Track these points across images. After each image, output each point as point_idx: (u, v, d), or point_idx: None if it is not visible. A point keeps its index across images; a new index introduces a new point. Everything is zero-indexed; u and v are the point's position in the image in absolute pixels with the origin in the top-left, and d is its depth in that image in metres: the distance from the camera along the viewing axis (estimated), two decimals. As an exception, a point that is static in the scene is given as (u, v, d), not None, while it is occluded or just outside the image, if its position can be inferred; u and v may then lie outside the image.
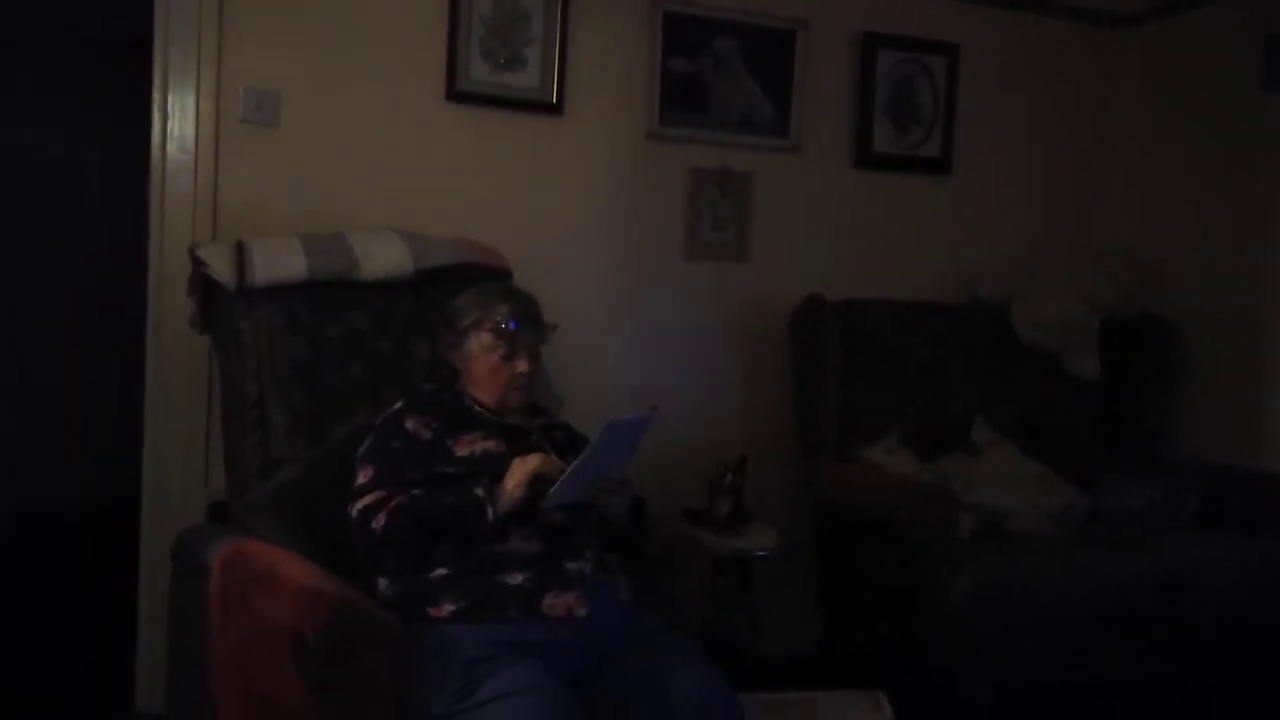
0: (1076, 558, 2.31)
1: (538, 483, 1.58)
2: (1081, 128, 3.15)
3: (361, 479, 1.66)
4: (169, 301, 2.25)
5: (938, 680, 2.21)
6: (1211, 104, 2.93)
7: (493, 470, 1.64)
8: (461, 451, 1.69)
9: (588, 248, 2.65)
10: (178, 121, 2.27)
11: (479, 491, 1.57)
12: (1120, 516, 2.54)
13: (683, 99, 2.70)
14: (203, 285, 2.01)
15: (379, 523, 1.57)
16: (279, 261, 1.96)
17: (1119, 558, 2.30)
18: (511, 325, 1.79)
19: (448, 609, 1.53)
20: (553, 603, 1.55)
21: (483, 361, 1.80)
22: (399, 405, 1.78)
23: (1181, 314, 2.92)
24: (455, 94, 2.47)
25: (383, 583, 1.61)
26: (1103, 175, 3.17)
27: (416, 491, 1.62)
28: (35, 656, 2.65)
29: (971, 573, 2.16)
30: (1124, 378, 2.89)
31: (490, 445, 1.70)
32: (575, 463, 1.55)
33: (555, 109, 2.57)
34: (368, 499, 1.61)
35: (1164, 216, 3.05)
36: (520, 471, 1.58)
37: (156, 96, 2.28)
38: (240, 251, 1.95)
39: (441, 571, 1.58)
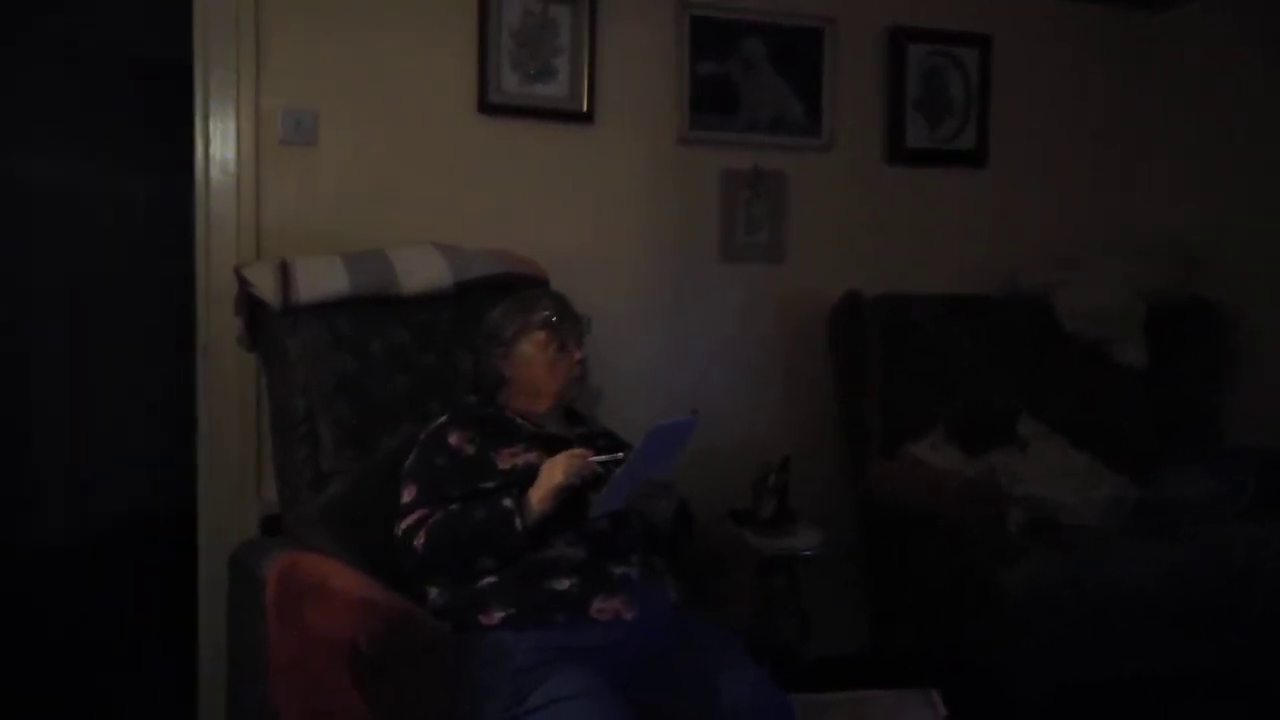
0: (1130, 549, 2.28)
1: (565, 493, 1.59)
2: (1120, 112, 3.10)
3: (406, 497, 1.69)
4: (217, 321, 2.31)
5: (990, 677, 2.19)
6: (1252, 83, 2.87)
7: (531, 481, 1.65)
8: (504, 465, 1.71)
9: (623, 254, 2.66)
10: (219, 145, 2.33)
11: (507, 503, 1.59)
12: (1173, 507, 2.50)
13: (712, 102, 2.70)
14: (249, 304, 2.05)
15: (419, 541, 1.60)
16: (322, 279, 2.00)
17: (1173, 548, 2.26)
18: (556, 319, 1.84)
19: (497, 616, 1.55)
20: (601, 607, 1.56)
21: (539, 360, 1.83)
22: (443, 420, 1.81)
23: (1230, 298, 2.86)
24: (487, 106, 2.50)
25: (433, 592, 1.64)
26: (1144, 160, 3.12)
27: (454, 506, 1.64)
28: (100, 670, 2.72)
29: (1023, 568, 2.14)
30: (1173, 365, 2.83)
31: (532, 457, 1.72)
32: (619, 471, 1.56)
33: (586, 117, 2.59)
34: (410, 519, 1.64)
35: (1209, 200, 2.99)
36: (546, 483, 1.59)
37: (198, 121, 2.34)
38: (284, 270, 1.99)
39: (490, 579, 1.59)
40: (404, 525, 1.64)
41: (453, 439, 1.74)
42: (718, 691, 1.53)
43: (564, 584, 1.58)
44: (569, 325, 1.86)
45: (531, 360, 1.84)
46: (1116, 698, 2.19)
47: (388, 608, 1.45)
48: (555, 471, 1.60)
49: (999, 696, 2.15)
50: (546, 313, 1.84)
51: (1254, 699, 2.25)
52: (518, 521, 1.57)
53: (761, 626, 2.28)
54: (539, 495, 1.58)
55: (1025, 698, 2.13)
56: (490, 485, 1.68)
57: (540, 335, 1.83)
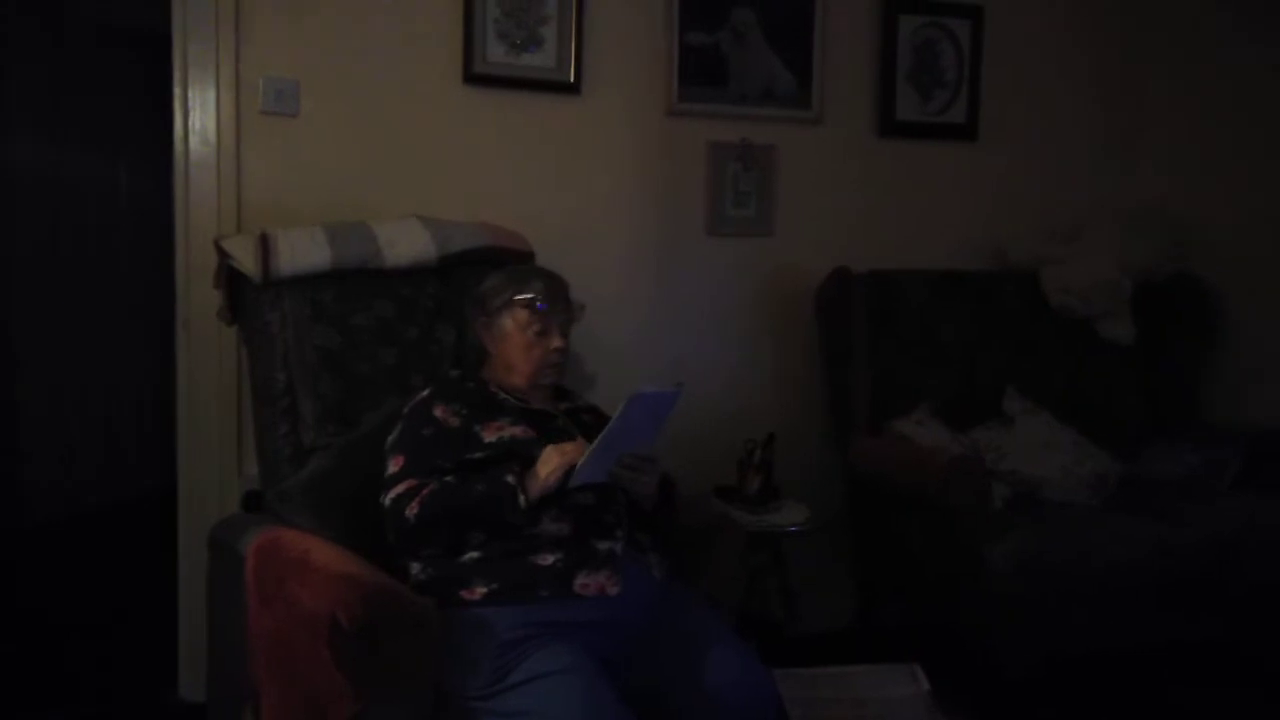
0: (1114, 524, 2.29)
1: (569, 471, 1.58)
2: (1111, 87, 3.07)
3: (393, 468, 1.67)
4: (197, 295, 2.27)
5: (976, 652, 2.20)
6: (1248, 58, 2.85)
7: (521, 454, 1.64)
8: (489, 437, 1.70)
9: (609, 227, 2.63)
10: (199, 115, 2.28)
11: (509, 479, 1.58)
12: (1159, 483, 2.51)
13: (702, 73, 2.67)
14: (229, 277, 2.02)
15: (411, 510, 1.58)
16: (303, 252, 1.97)
17: (1157, 523, 2.27)
18: (543, 303, 1.80)
19: (480, 591, 1.54)
20: (585, 582, 1.55)
21: (516, 339, 1.81)
22: (426, 393, 1.79)
23: (1218, 275, 2.86)
24: (472, 77, 2.46)
25: (415, 567, 1.63)
26: (1135, 135, 3.10)
27: (448, 479, 1.62)
28: (81, 646, 2.71)
29: (1008, 543, 2.15)
30: (1160, 342, 2.84)
31: (518, 431, 1.71)
32: (600, 436, 1.54)
33: (573, 88, 2.55)
34: (399, 488, 1.62)
35: (1199, 176, 2.98)
36: (556, 460, 1.57)
37: (176, 90, 2.29)
38: (265, 243, 1.95)
39: (473, 555, 1.58)
40: (392, 494, 1.62)
41: (438, 411, 1.72)
42: (704, 668, 1.53)
43: (548, 559, 1.57)
44: (556, 310, 1.83)
45: (509, 336, 1.82)
46: (1102, 671, 2.21)
47: (369, 583, 1.44)
48: (567, 449, 1.58)
49: (985, 671, 2.16)
50: (532, 295, 1.82)
51: (1239, 671, 2.27)
52: (521, 499, 1.56)
53: (747, 602, 2.29)
54: (548, 469, 1.56)
55: (1011, 672, 2.15)
56: (478, 456, 1.66)
57: (523, 314, 1.82)
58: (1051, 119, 3.02)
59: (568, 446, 1.60)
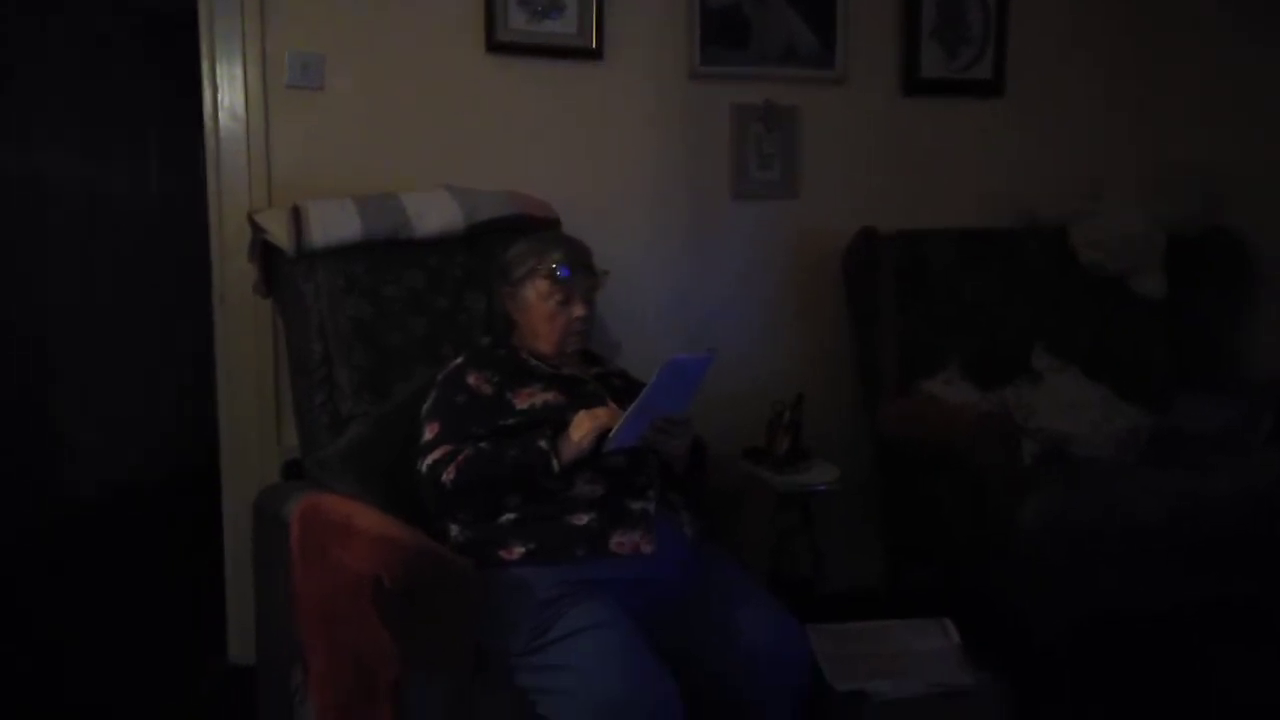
0: (1144, 480, 2.27)
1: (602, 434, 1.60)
2: (1140, 39, 3.01)
3: (428, 435, 1.71)
4: (231, 269, 2.32)
5: (1005, 611, 2.21)
6: (1272, 11, 2.78)
7: (553, 420, 1.67)
8: (521, 404, 1.73)
9: (634, 192, 2.64)
10: (227, 91, 2.31)
11: (543, 444, 1.61)
12: (1193, 438, 2.49)
13: (723, 35, 2.65)
14: (263, 251, 2.05)
15: (448, 475, 1.62)
16: (334, 223, 2.00)
17: (1189, 478, 2.26)
18: (564, 271, 1.82)
19: (518, 551, 1.58)
20: (620, 541, 1.59)
21: (539, 309, 1.83)
22: (459, 361, 1.82)
23: (1251, 228, 2.81)
24: (495, 45, 2.47)
25: (454, 529, 1.67)
26: (1165, 89, 3.04)
27: (483, 445, 1.66)
28: (130, 617, 2.79)
29: (1037, 500, 2.14)
30: (1192, 296, 2.80)
31: (549, 397, 1.74)
32: (635, 402, 1.56)
33: (595, 54, 2.55)
34: (435, 454, 1.66)
35: (1230, 128, 2.92)
36: (589, 424, 1.60)
37: (205, 67, 2.32)
38: (297, 216, 1.99)
39: (510, 516, 1.62)
40: (429, 460, 1.66)
41: (471, 379, 1.76)
42: (737, 625, 1.56)
43: (583, 520, 1.60)
44: (579, 278, 1.84)
45: (532, 306, 1.84)
46: (1132, 630, 2.21)
47: (410, 545, 1.48)
48: (600, 413, 1.61)
49: (1014, 630, 2.17)
50: (553, 264, 1.82)
51: (1273, 629, 2.26)
52: (554, 463, 1.59)
53: (777, 561, 2.32)
54: (580, 433, 1.59)
55: (1040, 631, 2.15)
56: (510, 423, 1.70)
57: (544, 284, 1.83)
58: (1080, 73, 2.97)
59: (600, 411, 1.63)
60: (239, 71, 2.31)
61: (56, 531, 3.45)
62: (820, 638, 1.77)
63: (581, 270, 1.85)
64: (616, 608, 1.48)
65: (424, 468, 1.66)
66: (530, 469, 1.60)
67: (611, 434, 1.57)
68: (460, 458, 1.63)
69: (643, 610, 1.53)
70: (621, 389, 1.87)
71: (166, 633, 2.67)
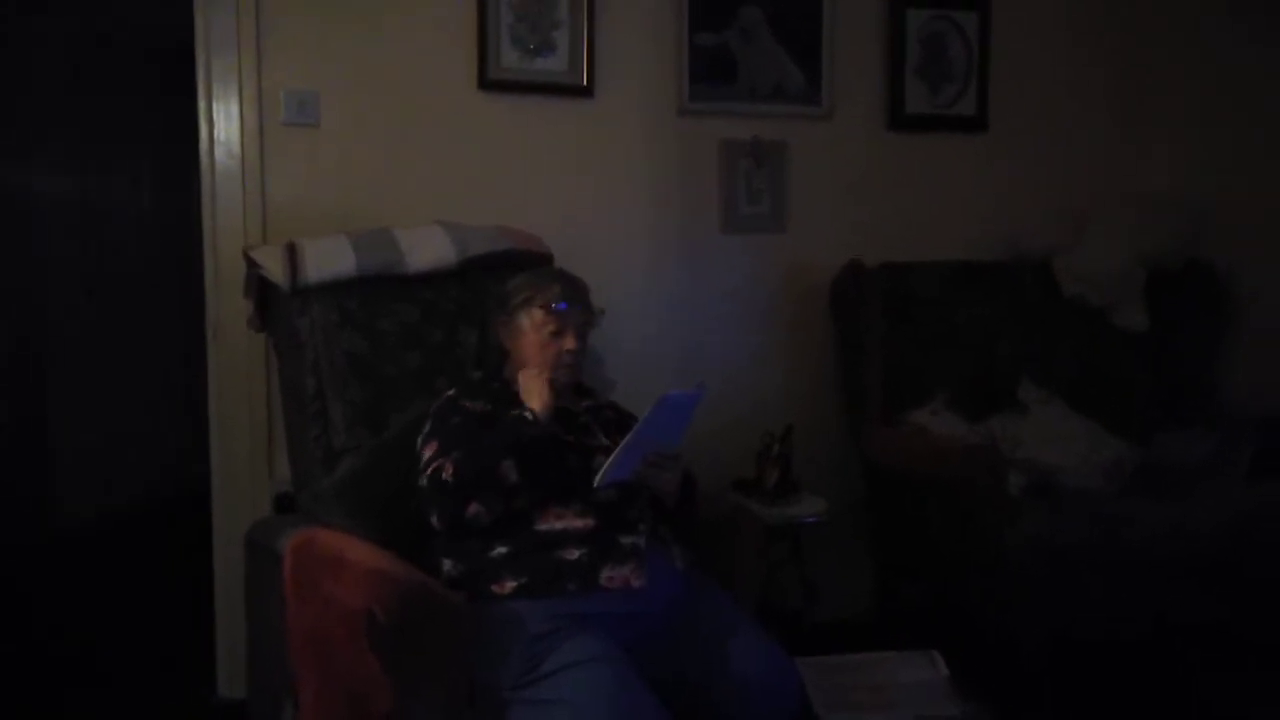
0: (1129, 509, 2.30)
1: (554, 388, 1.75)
2: (1121, 75, 3.08)
3: (427, 454, 1.72)
4: (225, 302, 2.34)
5: (994, 638, 2.23)
6: (1255, 43, 2.85)
7: (544, 446, 1.69)
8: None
9: (625, 226, 2.68)
10: (223, 127, 2.34)
11: (514, 412, 1.69)
12: (1174, 470, 2.52)
13: (712, 72, 2.70)
14: (258, 286, 2.08)
15: (447, 472, 1.63)
16: (329, 259, 2.03)
17: (1172, 508, 2.28)
18: (561, 305, 1.85)
19: (510, 585, 1.59)
20: (610, 575, 1.60)
21: (532, 338, 1.86)
22: (451, 393, 1.85)
23: (1230, 261, 2.86)
24: (488, 82, 2.51)
25: (447, 563, 1.68)
26: (1145, 123, 3.10)
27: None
28: (118, 648, 2.78)
29: (1025, 526, 2.17)
30: (1174, 329, 2.84)
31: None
32: (628, 437, 1.59)
33: (586, 91, 2.59)
34: (434, 464, 1.67)
35: (1209, 162, 2.98)
36: (534, 384, 1.72)
37: (201, 104, 2.35)
38: (292, 251, 2.01)
39: (502, 550, 1.63)
40: (428, 471, 1.67)
41: (465, 404, 1.79)
42: (728, 657, 1.58)
43: (574, 554, 1.62)
44: (574, 313, 1.87)
45: (524, 335, 1.87)
46: (1119, 655, 2.23)
47: (403, 579, 1.49)
48: (530, 378, 1.76)
49: (1003, 657, 2.19)
50: (550, 297, 1.85)
51: (1255, 654, 2.28)
52: (529, 414, 1.67)
53: (767, 592, 2.33)
54: (535, 396, 1.71)
55: (1029, 657, 2.17)
56: None
57: (539, 314, 1.86)
58: (1061, 108, 3.03)
59: (530, 373, 1.76)
60: (235, 109, 2.34)
61: (48, 557, 3.44)
62: (810, 670, 1.79)
63: (578, 305, 1.89)
64: (608, 642, 1.49)
65: (425, 480, 1.67)
66: (511, 428, 1.66)
67: (604, 468, 1.59)
68: (453, 455, 1.65)
69: (634, 643, 1.54)
70: (613, 421, 1.89)
71: (154, 665, 2.65)
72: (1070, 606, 2.17)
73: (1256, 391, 2.79)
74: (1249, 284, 2.84)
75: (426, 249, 2.12)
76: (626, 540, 1.65)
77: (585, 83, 2.59)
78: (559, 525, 1.65)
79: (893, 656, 1.95)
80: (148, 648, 2.76)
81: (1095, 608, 2.19)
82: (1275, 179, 2.81)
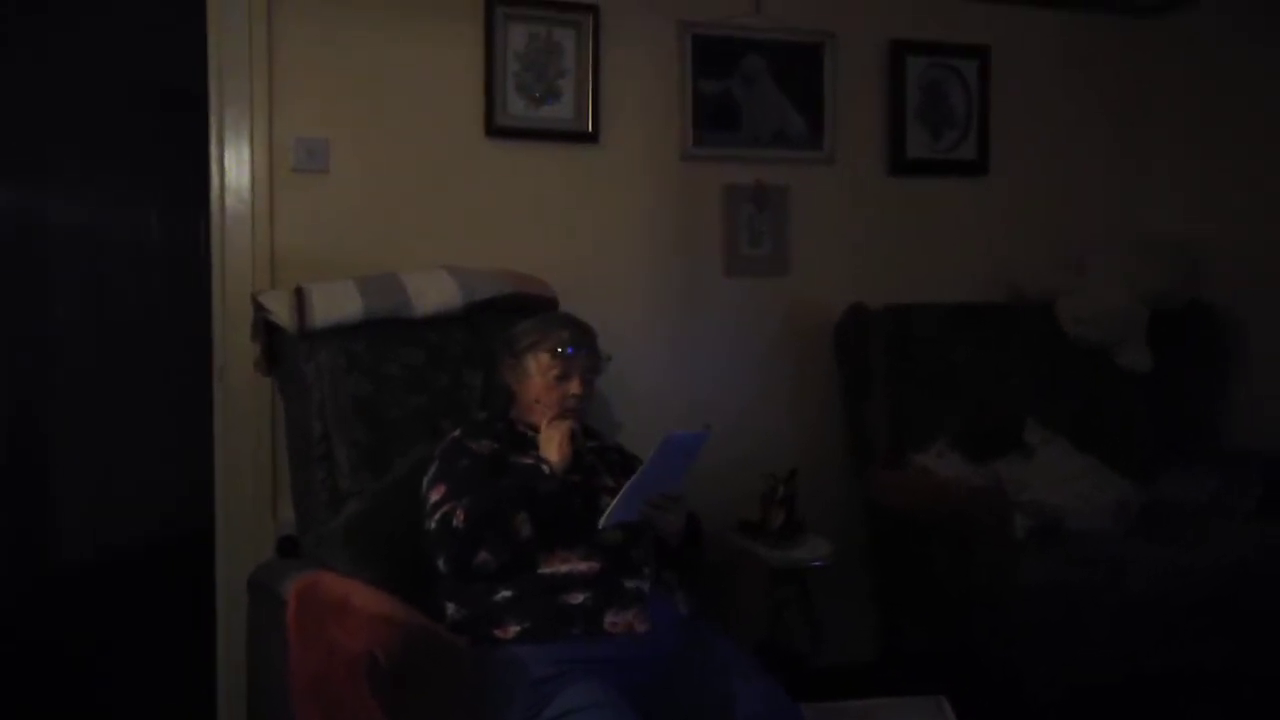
0: (1135, 551, 2.30)
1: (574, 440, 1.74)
2: (1119, 119, 3.13)
3: (435, 497, 1.72)
4: (232, 345, 2.36)
5: (1001, 681, 2.21)
6: (1251, 87, 2.90)
7: (559, 500, 1.69)
8: (520, 461, 1.78)
9: (629, 271, 2.70)
10: (234, 173, 2.38)
11: (528, 461, 1.70)
12: (1179, 510, 2.52)
13: (715, 119, 2.75)
14: (266, 330, 2.10)
15: (459, 519, 1.63)
16: (336, 304, 2.05)
17: (1179, 550, 2.28)
18: (569, 350, 1.87)
19: (513, 630, 1.59)
20: (614, 620, 1.60)
21: (538, 381, 1.87)
22: (456, 434, 1.86)
23: (1231, 301, 2.88)
24: (494, 130, 2.55)
25: (450, 607, 1.68)
26: (1144, 166, 3.14)
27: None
28: (119, 690, 2.76)
29: (1032, 570, 2.17)
30: (1176, 369, 2.85)
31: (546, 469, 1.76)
32: (633, 478, 1.60)
33: (591, 137, 2.63)
34: (444, 509, 1.67)
35: (1209, 204, 3.01)
36: (555, 434, 1.72)
37: (213, 150, 2.39)
38: (300, 296, 2.03)
39: (505, 594, 1.63)
40: (438, 515, 1.67)
41: (471, 446, 1.79)
42: (732, 703, 1.56)
43: (578, 598, 1.62)
44: (581, 358, 1.88)
45: (530, 377, 1.88)
46: (1127, 698, 2.21)
47: (406, 623, 1.49)
48: (554, 429, 1.75)
49: (1010, 700, 2.17)
50: (557, 343, 1.87)
51: (1264, 697, 2.26)
52: (545, 468, 1.68)
53: (772, 636, 2.31)
54: (553, 446, 1.71)
55: (1036, 700, 2.15)
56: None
57: (545, 358, 1.87)
58: (1060, 151, 3.07)
59: (557, 422, 1.75)
60: (246, 155, 2.38)
61: (49, 597, 3.43)
62: (814, 716, 1.77)
63: (584, 350, 1.90)
64: (611, 687, 1.48)
65: (433, 524, 1.67)
66: (525, 481, 1.68)
67: (609, 510, 1.60)
68: (465, 500, 1.66)
69: (637, 688, 1.53)
70: (617, 463, 1.90)
71: (155, 707, 2.63)
72: (1077, 649, 2.16)
73: (1258, 430, 2.80)
74: (1249, 324, 2.85)
75: (432, 293, 2.15)
76: (631, 584, 1.65)
77: (590, 129, 2.63)
78: (564, 569, 1.65)
79: (899, 703, 1.94)
80: (149, 690, 2.75)
81: (1102, 650, 2.17)
82: (1274, 220, 2.84)
